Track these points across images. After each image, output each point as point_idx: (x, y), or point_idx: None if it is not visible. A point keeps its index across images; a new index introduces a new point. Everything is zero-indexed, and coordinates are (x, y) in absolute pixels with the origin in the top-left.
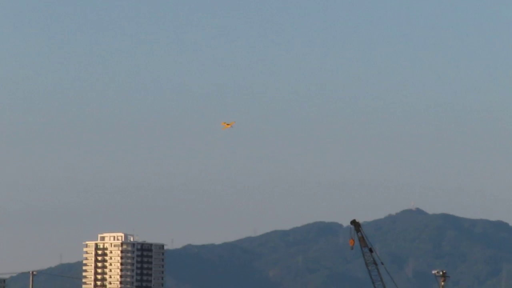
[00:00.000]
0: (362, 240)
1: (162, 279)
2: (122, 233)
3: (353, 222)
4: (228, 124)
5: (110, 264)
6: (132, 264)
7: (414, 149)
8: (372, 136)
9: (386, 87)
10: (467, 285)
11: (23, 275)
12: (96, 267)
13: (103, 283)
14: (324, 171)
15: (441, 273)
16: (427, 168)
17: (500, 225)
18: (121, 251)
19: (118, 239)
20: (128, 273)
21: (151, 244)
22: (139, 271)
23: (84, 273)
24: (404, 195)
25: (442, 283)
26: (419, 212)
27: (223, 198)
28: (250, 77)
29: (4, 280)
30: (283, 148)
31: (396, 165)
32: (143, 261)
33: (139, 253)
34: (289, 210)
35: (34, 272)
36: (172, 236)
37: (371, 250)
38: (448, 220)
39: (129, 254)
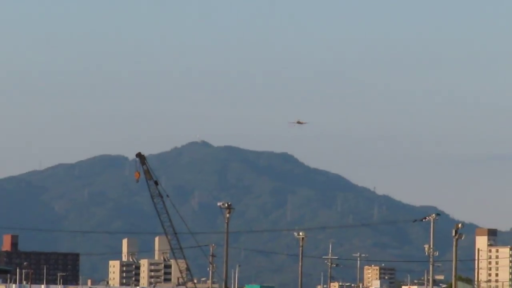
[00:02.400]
0: (147, 172)
1: None
2: None
3: (139, 155)
4: None
5: None
6: None
7: (204, 82)
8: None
9: None
10: (253, 217)
11: None
12: None
13: None
14: (111, 103)
15: (226, 205)
16: (213, 99)
17: (285, 157)
18: None
19: None
20: None
21: None
22: None
23: None
24: (189, 128)
25: (228, 215)
26: (204, 144)
27: (8, 131)
28: None
29: None
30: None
31: (185, 97)
32: None
33: None
34: (75, 144)
35: None
36: None
37: (156, 183)
38: (233, 152)
39: None
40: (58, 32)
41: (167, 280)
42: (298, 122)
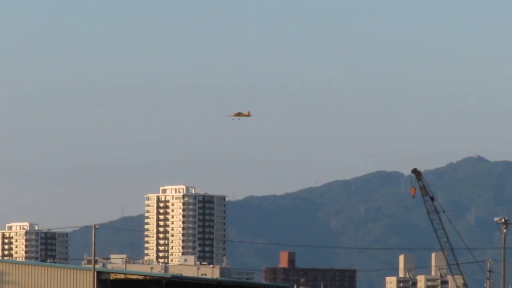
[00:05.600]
0: (424, 188)
1: (224, 230)
2: (184, 185)
3: (414, 171)
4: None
5: (172, 217)
6: (194, 216)
7: (476, 97)
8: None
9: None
10: None
11: (85, 229)
12: (158, 219)
13: (165, 236)
14: (384, 120)
15: (503, 220)
16: (489, 115)
17: None
18: (183, 203)
19: (179, 192)
20: (190, 225)
21: (212, 196)
22: (201, 223)
23: (146, 226)
24: (465, 143)
25: (504, 231)
26: (480, 159)
27: (285, 150)
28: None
29: (66, 234)
30: (344, 99)
31: (458, 113)
32: (205, 213)
33: (201, 205)
34: (351, 160)
35: (96, 226)
36: (233, 188)
37: (432, 199)
38: (510, 167)
39: (190, 206)
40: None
41: None
42: (237, 115)
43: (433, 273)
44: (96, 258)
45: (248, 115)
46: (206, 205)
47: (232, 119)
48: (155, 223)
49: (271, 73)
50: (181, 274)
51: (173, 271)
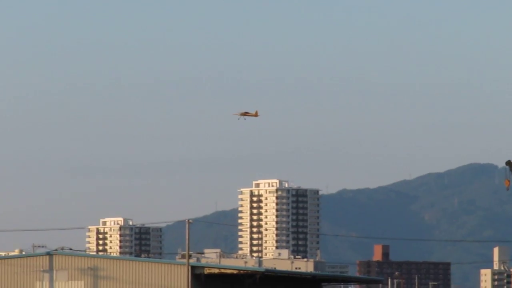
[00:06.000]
0: None
1: (318, 224)
2: (277, 179)
3: (508, 163)
4: (247, 114)
5: (266, 211)
6: (288, 210)
7: None
8: None
9: None
10: None
11: (179, 224)
12: (251, 214)
13: (259, 230)
14: (478, 112)
15: None
16: None
17: None
18: (276, 197)
19: (273, 186)
20: (284, 219)
21: (305, 190)
22: (294, 217)
23: (239, 220)
24: None
25: None
26: None
27: (377, 143)
28: None
29: (160, 229)
30: (438, 91)
31: None
32: (298, 206)
33: (294, 199)
34: (444, 153)
35: (190, 221)
36: (326, 181)
37: None
38: None
39: (284, 200)
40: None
41: None
42: (244, 114)
43: None
44: (190, 252)
45: (256, 115)
46: (300, 198)
47: (238, 119)
48: (248, 217)
49: (373, 67)
50: (275, 268)
51: (267, 265)
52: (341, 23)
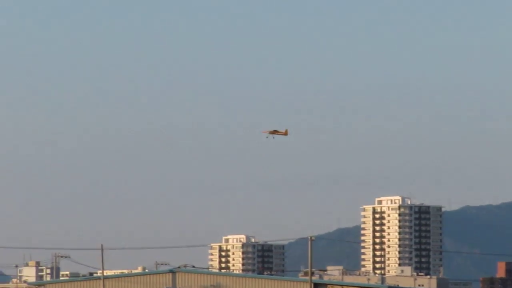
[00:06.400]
0: None
1: (441, 241)
2: (399, 196)
3: None
4: (276, 132)
5: (388, 228)
6: (410, 227)
7: None
8: None
9: None
10: None
11: (302, 241)
12: (374, 231)
13: (381, 247)
14: None
15: None
16: None
17: None
18: (399, 214)
19: (395, 203)
20: (406, 236)
21: (428, 207)
22: (417, 234)
23: (362, 237)
24: None
25: None
26: None
27: (500, 157)
28: None
29: (283, 246)
30: None
31: None
32: (421, 223)
33: (417, 215)
34: None
35: (312, 238)
36: (449, 198)
37: None
38: None
39: (406, 217)
40: None
41: None
42: (273, 132)
43: None
44: (312, 269)
45: (285, 134)
46: (422, 215)
47: (267, 137)
48: (371, 234)
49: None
50: (397, 285)
51: (390, 282)
52: None
